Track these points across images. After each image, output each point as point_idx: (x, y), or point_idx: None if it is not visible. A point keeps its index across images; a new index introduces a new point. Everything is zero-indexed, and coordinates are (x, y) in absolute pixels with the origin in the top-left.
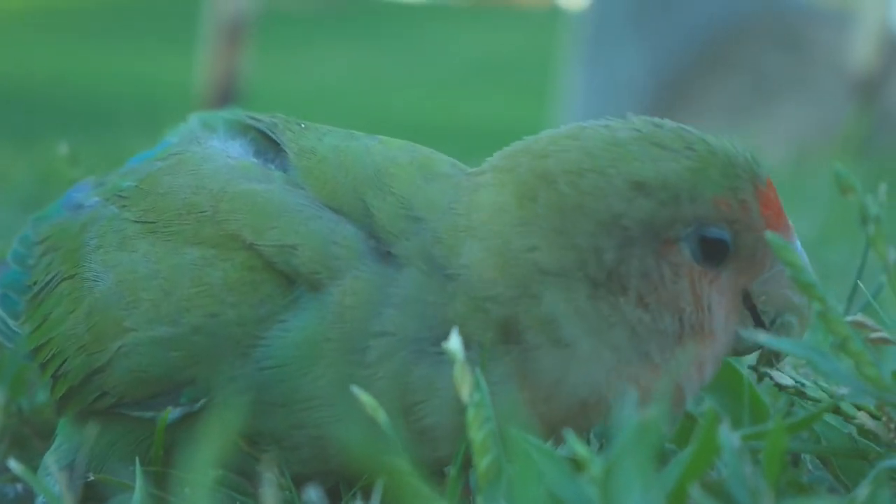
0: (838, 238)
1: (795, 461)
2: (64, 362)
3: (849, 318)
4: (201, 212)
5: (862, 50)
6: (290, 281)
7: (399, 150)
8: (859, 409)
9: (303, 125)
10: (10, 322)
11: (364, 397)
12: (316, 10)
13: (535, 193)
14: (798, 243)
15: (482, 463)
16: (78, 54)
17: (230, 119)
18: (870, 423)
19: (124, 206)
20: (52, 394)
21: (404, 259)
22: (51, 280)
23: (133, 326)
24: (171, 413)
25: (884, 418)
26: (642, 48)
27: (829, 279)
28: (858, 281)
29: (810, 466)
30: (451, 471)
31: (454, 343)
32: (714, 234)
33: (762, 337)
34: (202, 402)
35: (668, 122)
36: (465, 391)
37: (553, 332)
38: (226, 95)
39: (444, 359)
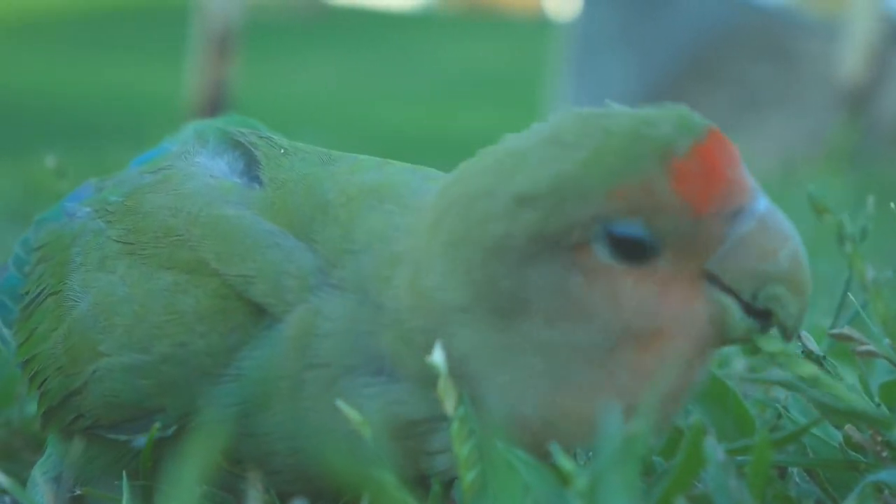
0: (827, 250)
1: (783, 474)
2: (45, 381)
3: (835, 331)
4: (177, 236)
5: (850, 61)
6: (260, 310)
7: (364, 173)
8: (845, 422)
9: (282, 150)
10: (4, 331)
11: (350, 412)
12: (304, 21)
13: (438, 225)
14: (761, 202)
15: (467, 477)
16: (65, 65)
17: (222, 130)
18: (857, 436)
19: (109, 221)
20: (38, 409)
21: (340, 289)
22: (40, 293)
23: (107, 351)
24: (140, 439)
25: (871, 431)
26: (631, 59)
27: (818, 292)
28: (848, 293)
29: (797, 479)
30: (434, 485)
31: (437, 357)
32: (621, 231)
33: (737, 317)
34: (172, 429)
35: (593, 111)
36: (450, 405)
37: (467, 367)
38: (214, 106)
39: (374, 388)
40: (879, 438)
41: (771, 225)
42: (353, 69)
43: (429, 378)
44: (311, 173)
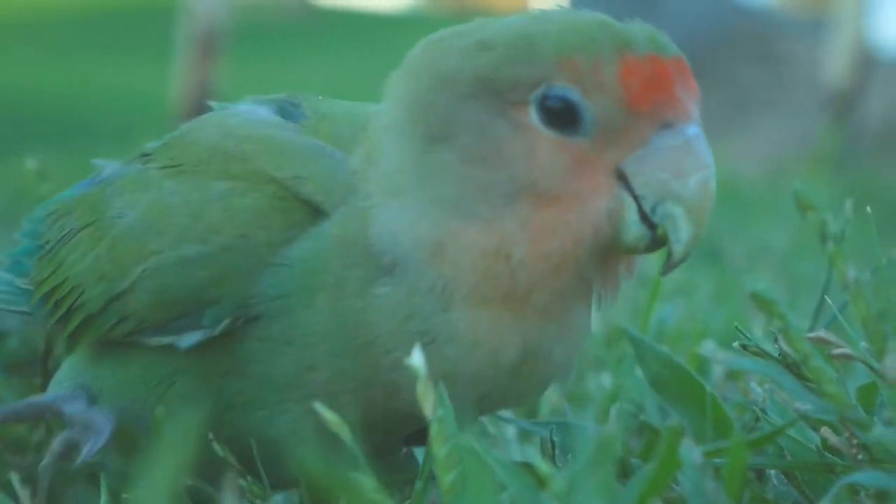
0: (811, 252)
1: (760, 476)
2: (80, 295)
3: (812, 335)
4: (228, 152)
5: (836, 64)
6: (314, 210)
7: None
8: (822, 424)
9: (320, 97)
10: (18, 281)
11: (327, 414)
12: (292, 21)
13: (405, 71)
14: (694, 128)
15: (446, 479)
16: (51, 67)
17: (253, 98)
18: (833, 439)
19: (148, 161)
20: (65, 331)
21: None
22: (66, 234)
23: (159, 249)
24: (191, 337)
25: (847, 434)
26: None
27: (801, 292)
28: (825, 296)
29: (775, 481)
30: (417, 485)
31: (416, 359)
32: (556, 94)
33: (632, 219)
34: (224, 323)
35: (591, 12)
36: (429, 407)
37: (388, 184)
38: (200, 107)
39: (386, 289)
40: (855, 441)
41: (694, 149)
42: (343, 69)
43: (401, 271)
44: (350, 107)
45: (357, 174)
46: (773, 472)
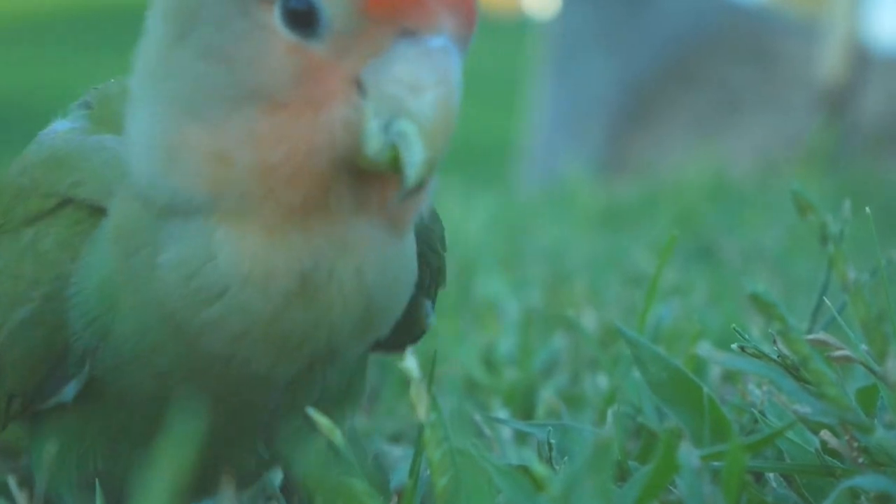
0: (806, 252)
1: (759, 479)
2: None
3: (811, 337)
4: (23, 189)
5: (830, 62)
6: (100, 211)
7: None
8: (821, 427)
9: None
10: None
11: (320, 419)
12: None
13: None
14: (442, 40)
15: (439, 482)
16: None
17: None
18: (833, 442)
19: None
20: None
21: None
22: None
23: (1, 321)
24: (70, 388)
25: (847, 437)
26: (610, 60)
27: (797, 293)
28: (824, 297)
29: (774, 485)
30: (407, 484)
31: (410, 361)
32: None
33: (373, 130)
34: (87, 364)
35: None
36: (422, 411)
37: (137, 89)
38: None
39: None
40: (856, 444)
41: (436, 63)
42: None
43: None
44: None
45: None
46: (772, 475)
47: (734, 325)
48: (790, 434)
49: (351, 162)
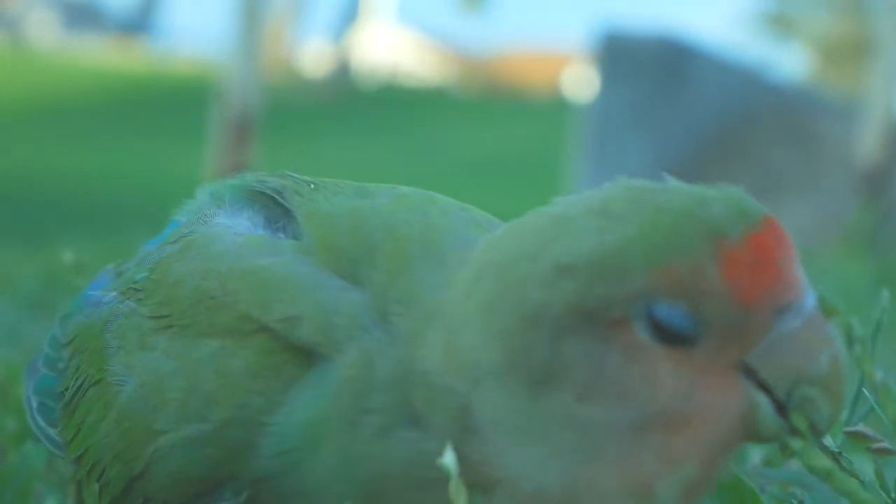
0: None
1: None
2: (104, 472)
3: (850, 429)
4: (212, 297)
5: (867, 142)
6: (310, 355)
7: (409, 213)
8: None
9: (312, 185)
10: (51, 431)
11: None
12: (324, 104)
13: (476, 283)
14: (810, 300)
15: None
16: (84, 153)
17: (238, 186)
18: None
19: (139, 299)
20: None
21: (390, 335)
22: (80, 386)
23: (164, 428)
24: None
25: None
26: (648, 141)
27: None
28: (864, 389)
29: None
30: None
31: (448, 458)
32: (663, 313)
33: (768, 415)
34: (245, 494)
35: (646, 184)
36: None
37: (495, 434)
38: None
39: (408, 437)
40: None
41: (816, 324)
42: (373, 151)
43: (454, 437)
44: (355, 208)
45: (414, 340)
46: None
47: None
48: None
49: (740, 442)
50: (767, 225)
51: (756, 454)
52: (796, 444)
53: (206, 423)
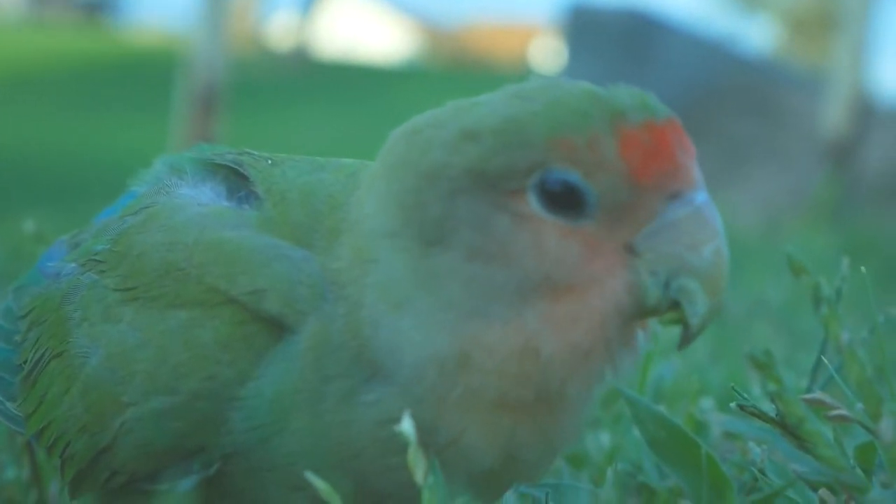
0: (810, 307)
1: None
2: (68, 445)
3: (808, 396)
4: (179, 270)
5: (833, 115)
6: (278, 325)
7: (345, 181)
8: (820, 485)
9: (270, 160)
10: (9, 405)
11: (318, 483)
12: (290, 77)
13: (383, 155)
14: (701, 194)
15: None
16: (50, 127)
17: (197, 159)
18: (831, 500)
19: (102, 271)
20: (63, 477)
21: (343, 298)
22: (41, 358)
23: (131, 401)
24: (186, 482)
25: (844, 496)
26: None
27: (800, 348)
28: (822, 357)
29: None
30: None
31: (407, 426)
32: (556, 178)
33: (653, 292)
34: (215, 466)
35: (571, 81)
36: (420, 474)
37: (388, 294)
38: None
39: (370, 396)
40: (853, 503)
41: (704, 217)
42: (341, 124)
43: (406, 380)
44: (306, 182)
45: (340, 275)
46: None
47: (733, 384)
48: (790, 492)
49: (630, 317)
50: (670, 122)
51: (717, 428)
52: (770, 386)
53: (174, 395)
